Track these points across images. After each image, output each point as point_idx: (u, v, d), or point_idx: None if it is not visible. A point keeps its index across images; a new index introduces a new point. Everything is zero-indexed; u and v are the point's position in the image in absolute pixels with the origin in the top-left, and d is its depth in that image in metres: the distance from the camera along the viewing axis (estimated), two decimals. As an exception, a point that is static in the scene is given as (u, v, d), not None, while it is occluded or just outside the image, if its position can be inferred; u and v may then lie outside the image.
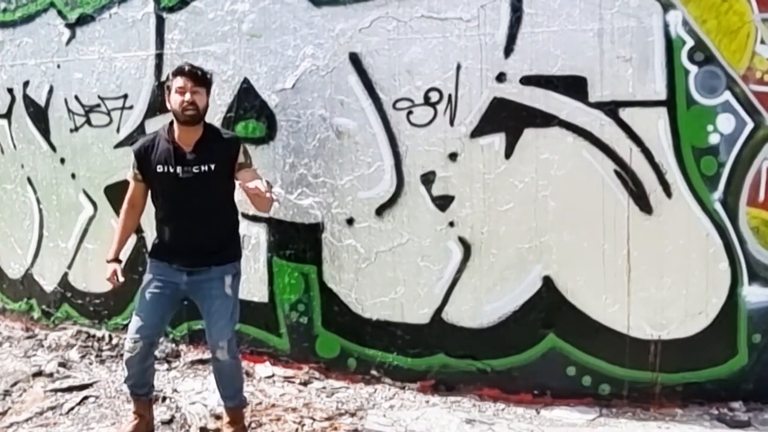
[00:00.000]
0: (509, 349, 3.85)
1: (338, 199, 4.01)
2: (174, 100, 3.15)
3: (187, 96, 3.11)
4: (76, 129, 4.72)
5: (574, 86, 3.60)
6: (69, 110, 4.71)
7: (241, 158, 3.27)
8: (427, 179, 3.85)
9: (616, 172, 3.62)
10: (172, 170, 3.17)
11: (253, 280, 4.28)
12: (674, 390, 3.73)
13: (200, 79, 3.18)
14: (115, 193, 4.39)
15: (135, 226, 3.51)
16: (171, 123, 3.24)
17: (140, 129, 4.42)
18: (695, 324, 3.67)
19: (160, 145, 3.22)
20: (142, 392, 3.45)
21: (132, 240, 4.40)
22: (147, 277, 3.34)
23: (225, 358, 3.30)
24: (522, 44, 3.63)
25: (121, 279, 3.37)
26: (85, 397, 4.00)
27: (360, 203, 3.98)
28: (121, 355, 4.57)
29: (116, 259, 3.40)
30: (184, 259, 3.25)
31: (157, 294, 3.28)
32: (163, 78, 4.31)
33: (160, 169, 3.19)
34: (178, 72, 3.18)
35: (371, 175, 3.93)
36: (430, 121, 3.80)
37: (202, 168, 3.16)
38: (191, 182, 3.16)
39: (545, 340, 3.80)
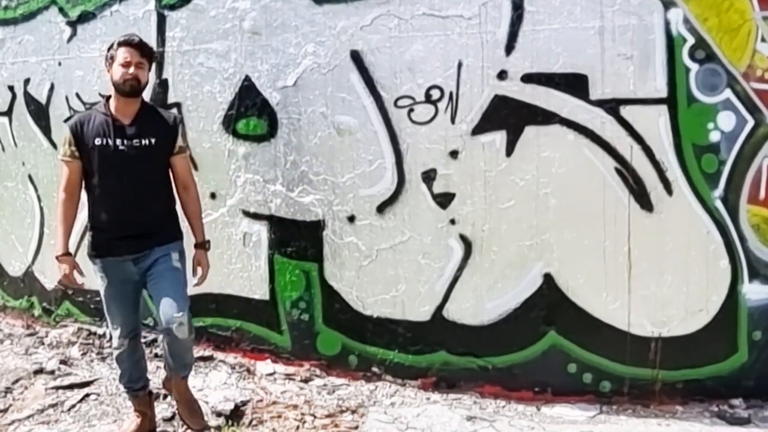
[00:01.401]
0: (510, 347, 3.86)
1: (339, 196, 4.02)
2: (116, 72, 3.10)
3: (131, 69, 3.08)
4: (77, 126, 4.71)
5: (575, 84, 3.60)
6: (70, 108, 4.71)
7: (180, 141, 3.30)
8: (429, 177, 3.86)
9: (617, 169, 3.62)
10: (110, 142, 3.11)
11: (254, 278, 4.28)
12: (674, 387, 3.73)
13: (146, 52, 3.17)
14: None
15: (76, 213, 3.35)
16: (107, 98, 3.21)
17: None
18: (696, 321, 3.68)
19: (96, 118, 3.16)
20: (139, 386, 3.45)
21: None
22: (101, 282, 3.29)
23: (184, 336, 3.16)
24: (523, 42, 3.64)
25: (81, 279, 3.31)
26: (87, 395, 4.00)
27: (361, 201, 3.99)
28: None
29: (68, 253, 3.28)
30: (126, 245, 3.18)
31: (120, 295, 3.27)
32: (165, 76, 4.33)
33: (98, 141, 3.12)
34: (125, 43, 3.12)
35: (372, 172, 3.94)
36: (432, 119, 3.80)
37: (143, 141, 3.13)
38: (131, 156, 3.12)
39: (546, 338, 3.80)
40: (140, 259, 3.22)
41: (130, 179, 3.14)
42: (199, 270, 3.44)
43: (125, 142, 3.12)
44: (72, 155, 3.19)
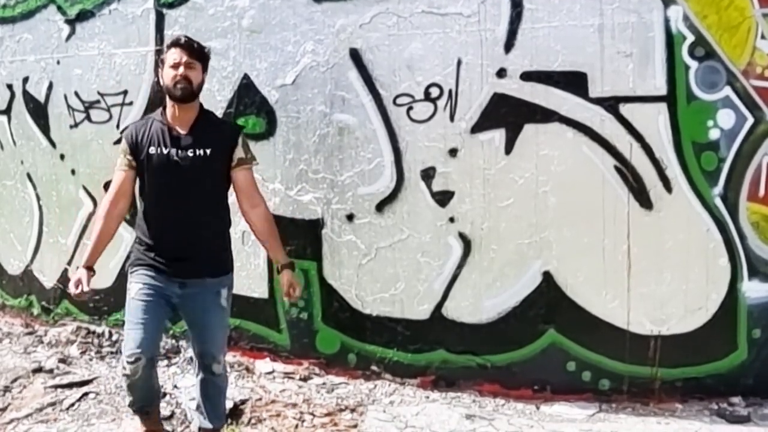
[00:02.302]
0: (509, 345, 3.85)
1: (338, 194, 4.01)
2: (166, 75, 2.91)
3: (181, 70, 2.87)
4: (76, 125, 4.71)
5: (574, 82, 3.59)
6: (69, 106, 4.70)
7: (240, 152, 3.03)
8: (427, 175, 3.85)
9: (616, 167, 3.62)
10: (165, 151, 2.92)
11: (253, 276, 4.28)
12: (674, 385, 3.73)
13: (196, 52, 2.94)
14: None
15: (117, 228, 3.09)
16: (164, 106, 3.02)
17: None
18: (695, 319, 3.67)
19: (153, 126, 2.98)
20: (152, 408, 3.22)
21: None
22: (134, 286, 2.98)
23: (221, 372, 3.10)
24: (522, 40, 3.63)
25: (87, 289, 2.96)
26: (85, 393, 3.99)
27: (360, 199, 3.98)
28: (121, 351, 4.59)
29: (90, 268, 3.01)
30: (176, 270, 2.95)
31: (150, 302, 2.94)
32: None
33: (152, 150, 2.93)
34: (173, 44, 2.94)
35: (371, 170, 3.93)
36: (431, 117, 3.80)
37: (198, 152, 2.91)
38: (186, 167, 2.90)
39: (545, 336, 3.80)
40: (188, 286, 2.98)
41: (184, 192, 2.92)
42: (294, 291, 3.17)
43: (180, 152, 2.91)
44: (129, 165, 3.00)
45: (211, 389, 3.16)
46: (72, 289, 2.99)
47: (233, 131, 3.11)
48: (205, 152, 2.93)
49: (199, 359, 3.10)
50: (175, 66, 2.89)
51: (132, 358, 2.87)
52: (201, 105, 3.04)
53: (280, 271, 3.19)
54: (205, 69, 3.01)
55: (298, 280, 3.26)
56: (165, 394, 3.89)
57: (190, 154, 2.92)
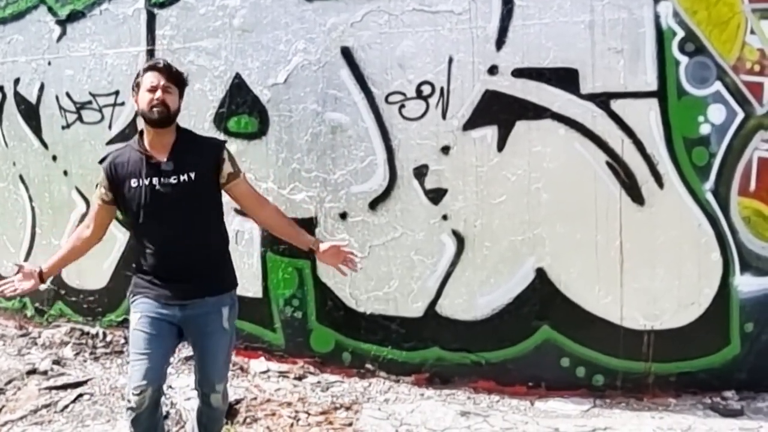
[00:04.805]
0: (503, 342, 3.87)
1: (331, 193, 4.01)
2: (142, 99, 2.76)
3: (158, 94, 2.73)
4: (68, 126, 4.70)
5: (565, 78, 3.60)
6: (60, 107, 4.69)
7: (228, 167, 2.89)
8: (420, 173, 3.86)
9: (608, 163, 3.63)
10: (146, 182, 2.77)
11: (247, 276, 4.26)
12: (668, 380, 3.74)
13: (174, 76, 2.81)
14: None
15: (79, 256, 3.03)
16: (141, 133, 2.87)
17: (132, 125, 4.40)
18: (688, 314, 3.69)
19: (131, 157, 2.82)
20: None
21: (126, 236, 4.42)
22: (134, 316, 2.86)
23: (218, 405, 2.95)
24: (513, 37, 3.64)
25: (16, 291, 2.94)
26: (80, 395, 3.99)
27: (353, 197, 3.98)
28: (116, 352, 4.58)
29: (42, 275, 2.95)
30: (174, 292, 2.83)
31: (152, 332, 2.81)
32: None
33: (134, 183, 2.79)
34: (150, 67, 2.81)
35: (364, 169, 3.93)
36: (423, 115, 3.80)
37: (181, 178, 2.77)
38: (170, 196, 2.76)
39: (539, 332, 3.81)
40: (188, 307, 2.85)
41: (173, 221, 2.79)
42: (354, 258, 3.00)
43: (162, 180, 2.76)
44: (102, 199, 2.88)
45: (205, 419, 3.05)
46: (9, 285, 2.94)
47: (215, 148, 2.93)
48: (189, 177, 2.79)
49: (198, 387, 2.97)
50: (153, 89, 2.75)
51: (138, 390, 2.74)
52: (178, 126, 2.90)
53: (316, 252, 2.98)
54: (181, 94, 2.87)
55: (337, 246, 3.00)
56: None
57: (173, 182, 2.78)
